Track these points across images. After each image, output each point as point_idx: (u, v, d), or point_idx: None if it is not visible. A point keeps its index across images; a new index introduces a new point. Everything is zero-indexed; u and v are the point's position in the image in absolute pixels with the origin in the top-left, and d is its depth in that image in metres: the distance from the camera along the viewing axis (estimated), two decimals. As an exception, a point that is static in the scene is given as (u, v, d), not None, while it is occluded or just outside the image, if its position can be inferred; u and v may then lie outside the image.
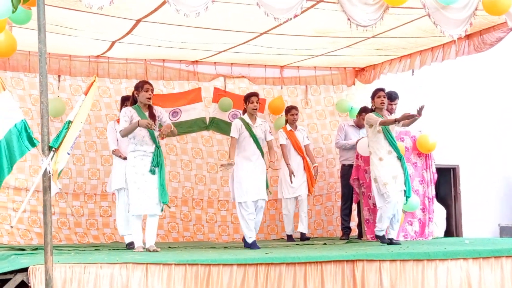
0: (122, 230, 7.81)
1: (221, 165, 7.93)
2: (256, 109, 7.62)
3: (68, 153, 5.12)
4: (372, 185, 7.67)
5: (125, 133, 6.83)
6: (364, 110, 9.12)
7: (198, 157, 9.68)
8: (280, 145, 8.90)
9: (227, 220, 9.71)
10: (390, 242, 7.52)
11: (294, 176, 8.49)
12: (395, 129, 7.72)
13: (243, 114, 7.78)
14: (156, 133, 6.89)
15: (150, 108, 6.96)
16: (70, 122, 5.04)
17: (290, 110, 9.09)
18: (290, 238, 9.04)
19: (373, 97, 7.71)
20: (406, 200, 7.63)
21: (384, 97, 7.64)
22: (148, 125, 6.64)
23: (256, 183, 7.48)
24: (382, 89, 7.74)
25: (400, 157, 7.52)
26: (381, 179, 7.44)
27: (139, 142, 6.82)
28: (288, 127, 9.04)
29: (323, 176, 9.96)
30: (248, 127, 7.59)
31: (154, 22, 7.12)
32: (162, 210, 6.86)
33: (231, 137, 7.60)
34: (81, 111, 5.10)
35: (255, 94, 7.73)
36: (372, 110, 7.72)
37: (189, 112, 9.44)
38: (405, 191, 7.52)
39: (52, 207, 8.47)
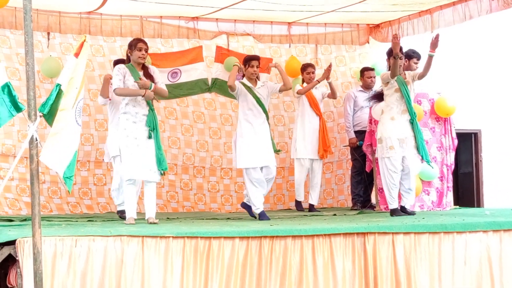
0: (116, 200, 7.85)
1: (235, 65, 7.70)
2: (255, 74, 7.62)
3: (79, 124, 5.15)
4: (377, 147, 7.71)
5: (122, 94, 6.87)
6: (365, 70, 9.18)
7: (200, 122, 9.66)
8: (297, 91, 8.85)
9: (231, 189, 9.72)
10: (403, 209, 7.55)
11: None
12: (413, 90, 7.68)
13: (242, 78, 7.74)
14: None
15: (144, 68, 6.97)
16: (59, 85, 5.01)
17: (306, 68, 9.03)
18: (299, 205, 9.05)
19: (389, 56, 7.62)
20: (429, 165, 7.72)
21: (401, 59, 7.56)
22: (144, 86, 6.74)
23: (262, 148, 7.50)
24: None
25: (412, 120, 7.50)
26: (386, 141, 7.49)
27: (131, 103, 6.83)
28: (305, 85, 8.99)
29: (334, 142, 9.91)
30: (250, 90, 7.58)
31: (150, -25, 7.04)
32: (160, 176, 6.88)
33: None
34: (75, 76, 5.05)
35: (256, 58, 7.72)
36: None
37: (190, 73, 9.36)
38: (422, 157, 7.53)
39: (42, 175, 8.65)
